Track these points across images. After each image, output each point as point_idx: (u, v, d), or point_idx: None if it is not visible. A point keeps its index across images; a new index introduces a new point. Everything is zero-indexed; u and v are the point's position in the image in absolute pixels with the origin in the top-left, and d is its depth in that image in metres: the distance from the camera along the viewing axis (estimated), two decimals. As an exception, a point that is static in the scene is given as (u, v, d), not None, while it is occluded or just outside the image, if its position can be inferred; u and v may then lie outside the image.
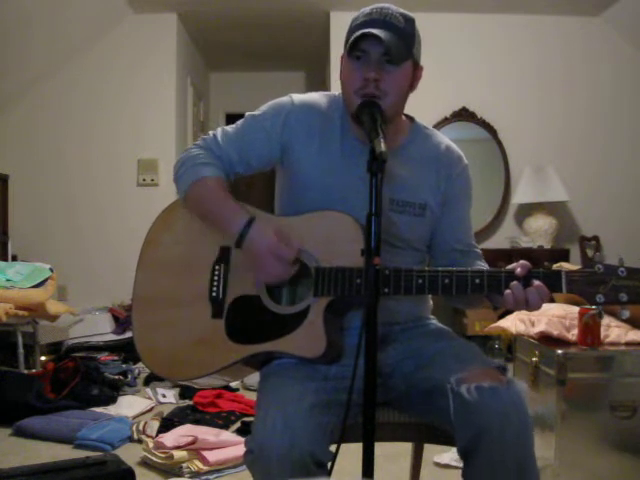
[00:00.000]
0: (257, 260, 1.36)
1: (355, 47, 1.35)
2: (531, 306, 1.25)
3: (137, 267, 1.51)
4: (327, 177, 1.44)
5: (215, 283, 1.42)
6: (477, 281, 1.26)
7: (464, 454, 1.25)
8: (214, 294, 1.42)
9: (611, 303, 1.22)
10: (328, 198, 1.42)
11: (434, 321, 1.57)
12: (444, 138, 1.56)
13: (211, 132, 1.54)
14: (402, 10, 1.39)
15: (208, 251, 1.43)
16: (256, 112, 1.52)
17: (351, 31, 1.38)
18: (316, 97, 1.52)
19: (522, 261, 1.27)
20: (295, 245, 1.35)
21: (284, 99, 1.51)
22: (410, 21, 1.38)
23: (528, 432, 1.21)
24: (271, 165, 1.53)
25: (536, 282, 1.24)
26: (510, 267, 1.27)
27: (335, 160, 1.45)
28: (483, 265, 1.50)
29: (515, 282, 1.24)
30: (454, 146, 1.55)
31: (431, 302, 1.60)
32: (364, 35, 1.32)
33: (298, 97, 1.51)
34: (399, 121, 1.49)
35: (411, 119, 1.55)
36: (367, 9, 1.39)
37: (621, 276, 1.22)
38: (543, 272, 1.25)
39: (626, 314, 1.23)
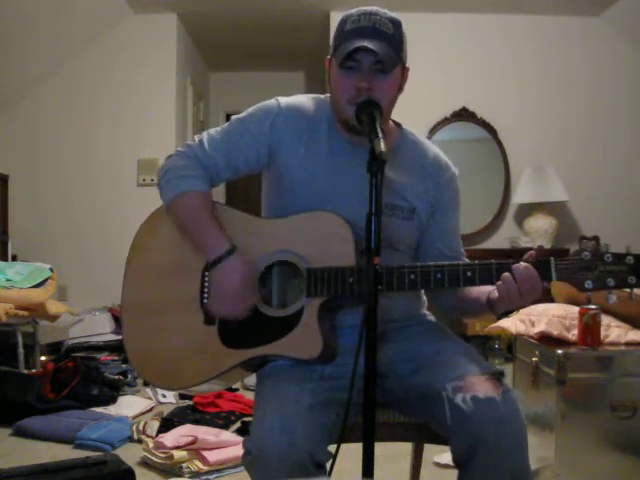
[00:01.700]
0: (214, 291, 1.37)
1: (347, 58, 1.34)
2: (524, 294, 1.25)
3: (125, 273, 1.49)
4: (315, 179, 1.44)
5: (206, 289, 1.41)
6: (469, 274, 1.27)
7: (459, 462, 1.25)
8: (205, 301, 1.41)
9: (599, 288, 1.25)
10: (317, 200, 1.41)
11: (430, 317, 1.57)
12: (431, 146, 1.56)
13: (196, 137, 1.51)
14: (389, 13, 1.38)
15: (197, 257, 1.42)
16: (242, 115, 1.51)
17: (339, 38, 1.37)
18: (303, 100, 1.52)
19: (530, 251, 1.30)
20: (254, 299, 1.36)
21: (270, 102, 1.50)
22: (398, 25, 1.37)
23: (523, 442, 1.22)
24: (259, 168, 1.52)
25: (523, 264, 1.25)
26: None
27: (323, 162, 1.45)
28: None
29: (506, 273, 1.25)
30: (442, 154, 1.56)
31: (425, 298, 1.60)
32: (358, 48, 1.31)
33: (284, 100, 1.50)
34: (387, 126, 1.48)
35: (398, 125, 1.55)
36: (354, 13, 1.37)
37: (607, 262, 1.24)
38: (532, 262, 1.27)
39: (613, 299, 1.25)
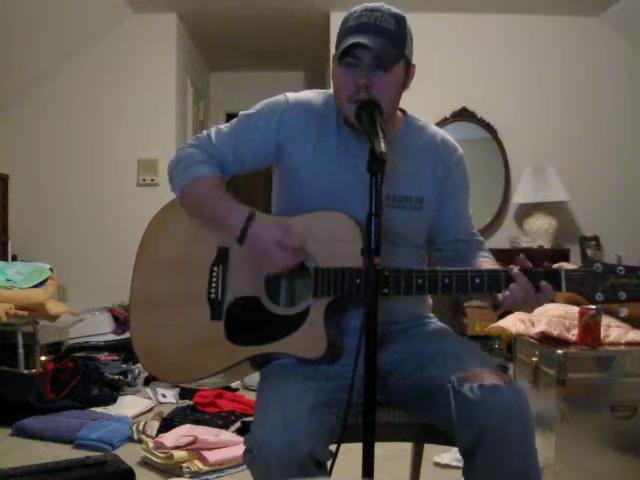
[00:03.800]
0: (262, 252, 1.35)
1: (345, 54, 1.34)
2: (529, 304, 1.25)
3: (134, 268, 1.50)
4: (323, 175, 1.44)
5: (213, 285, 1.41)
6: (477, 281, 1.26)
7: (465, 453, 1.25)
8: (212, 296, 1.41)
9: (610, 301, 1.22)
10: (325, 196, 1.41)
11: (434, 320, 1.56)
12: (438, 129, 1.56)
13: (205, 132, 1.52)
14: (393, 9, 1.37)
15: (205, 252, 1.43)
16: (250, 111, 1.51)
17: (341, 34, 1.37)
18: (311, 95, 1.52)
19: (521, 256, 1.27)
20: (297, 237, 1.34)
21: (279, 98, 1.50)
22: (401, 21, 1.36)
23: (530, 431, 1.21)
24: (266, 164, 1.53)
25: (542, 283, 1.24)
26: (510, 266, 1.26)
27: (331, 158, 1.44)
28: (486, 254, 1.50)
29: (514, 284, 1.24)
30: (449, 137, 1.55)
31: (430, 301, 1.60)
32: (355, 44, 1.31)
33: (293, 96, 1.50)
34: (392, 119, 1.48)
35: (403, 112, 1.54)
36: (357, 10, 1.37)
37: (620, 274, 1.22)
38: (543, 271, 1.25)
39: (624, 311, 1.23)
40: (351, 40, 1.31)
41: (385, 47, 1.32)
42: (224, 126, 1.52)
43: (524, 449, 1.20)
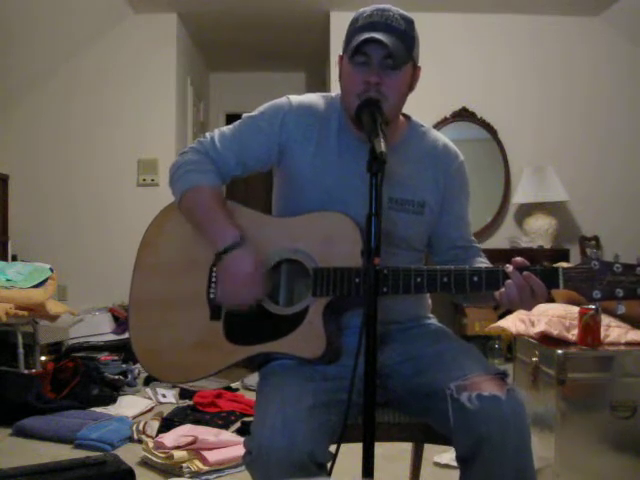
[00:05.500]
0: (222, 281, 1.37)
1: (358, 51, 1.35)
2: (525, 302, 1.24)
3: (134, 269, 1.50)
4: (324, 177, 1.44)
5: (213, 285, 1.42)
6: (475, 279, 1.26)
7: (463, 460, 1.25)
8: (212, 296, 1.41)
9: (608, 299, 1.23)
10: (326, 198, 1.42)
11: (433, 320, 1.57)
12: (440, 135, 1.57)
13: (208, 134, 1.53)
14: (402, 11, 1.39)
15: (205, 253, 1.43)
16: (253, 113, 1.52)
17: (351, 33, 1.38)
18: (313, 98, 1.53)
19: (518, 258, 1.27)
20: (262, 291, 1.36)
21: (281, 100, 1.51)
22: (410, 23, 1.38)
23: (527, 441, 1.22)
24: (268, 166, 1.53)
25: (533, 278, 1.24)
26: (507, 265, 1.27)
27: (332, 160, 1.45)
28: (484, 260, 1.51)
29: (509, 280, 1.24)
30: (450, 143, 1.56)
31: (430, 301, 1.60)
32: (367, 39, 1.31)
33: (295, 98, 1.51)
34: (397, 121, 1.49)
35: (407, 117, 1.55)
36: (367, 10, 1.38)
37: (617, 272, 1.22)
38: (541, 269, 1.25)
39: (622, 309, 1.23)
40: (364, 36, 1.32)
41: (397, 45, 1.33)
42: (227, 129, 1.53)
43: (521, 460, 1.20)
